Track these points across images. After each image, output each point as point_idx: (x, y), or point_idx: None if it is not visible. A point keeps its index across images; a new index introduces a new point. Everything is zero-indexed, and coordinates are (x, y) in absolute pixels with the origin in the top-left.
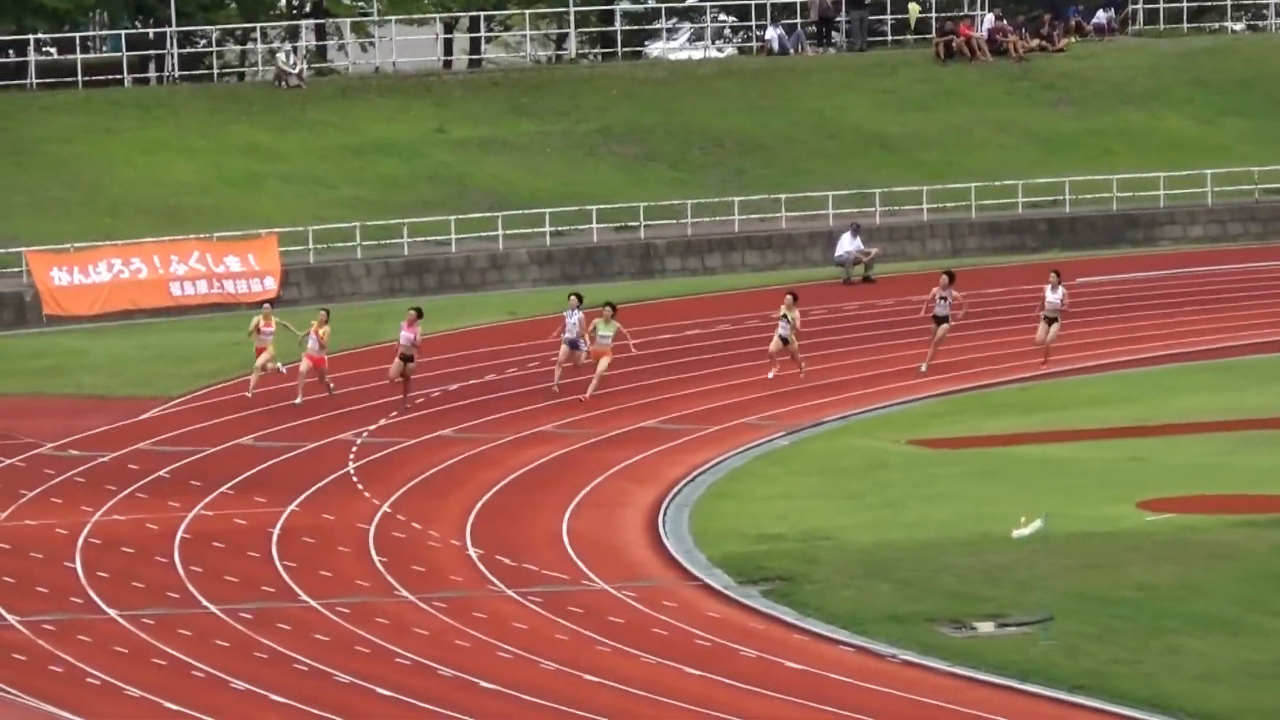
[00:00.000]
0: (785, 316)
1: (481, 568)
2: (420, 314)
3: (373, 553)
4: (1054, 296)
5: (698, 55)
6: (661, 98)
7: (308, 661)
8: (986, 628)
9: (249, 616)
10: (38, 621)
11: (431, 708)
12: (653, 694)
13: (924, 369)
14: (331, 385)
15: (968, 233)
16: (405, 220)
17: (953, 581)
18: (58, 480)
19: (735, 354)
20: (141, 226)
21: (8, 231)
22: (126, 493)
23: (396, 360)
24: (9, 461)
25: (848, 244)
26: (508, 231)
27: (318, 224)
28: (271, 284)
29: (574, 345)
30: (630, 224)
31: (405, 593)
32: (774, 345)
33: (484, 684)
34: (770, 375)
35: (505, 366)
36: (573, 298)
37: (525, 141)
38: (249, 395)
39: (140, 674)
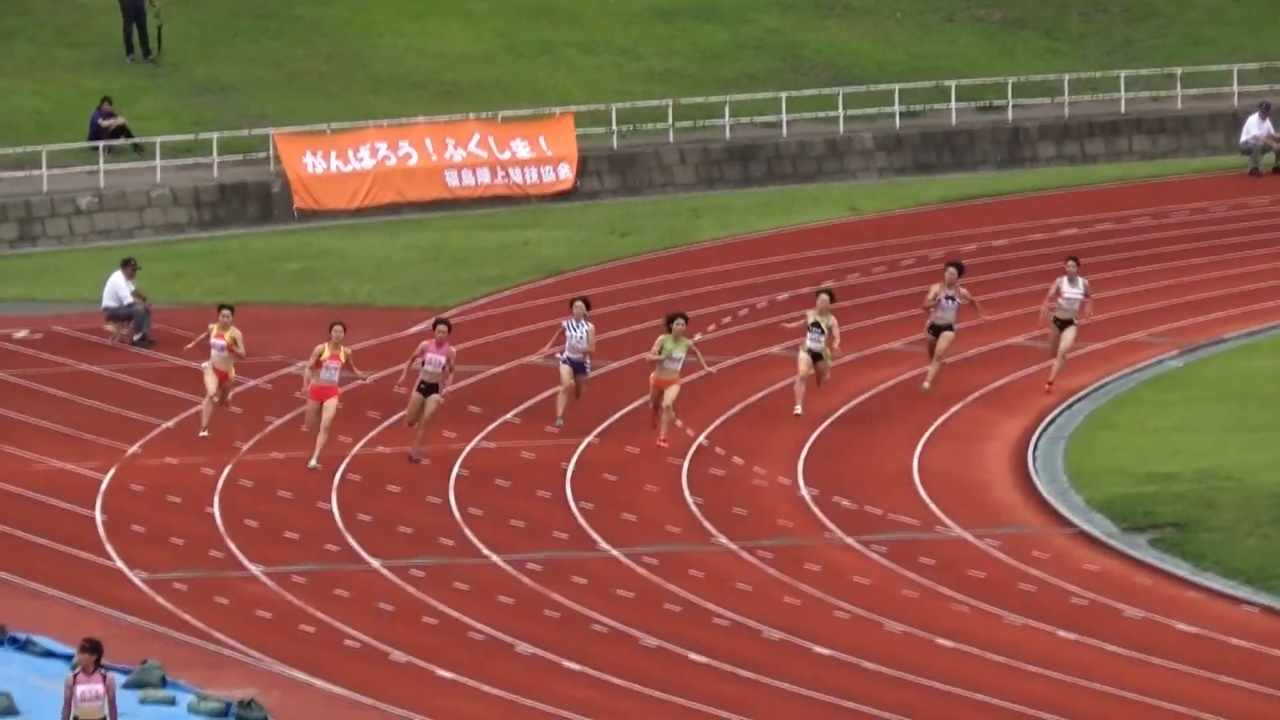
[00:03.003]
0: (817, 324)
1: (816, 511)
2: (450, 328)
3: (686, 493)
4: (1073, 291)
5: None
6: None
7: (607, 622)
8: None
9: (537, 568)
10: (286, 573)
11: (754, 676)
12: (1018, 661)
13: (927, 387)
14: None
15: None
16: (726, 98)
17: None
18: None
19: (1119, 258)
20: (411, 104)
21: (253, 110)
22: (391, 421)
23: (414, 394)
24: (253, 383)
25: (1255, 128)
26: (849, 111)
27: (622, 101)
28: (567, 172)
29: (579, 368)
30: (996, 103)
31: (724, 540)
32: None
33: (817, 649)
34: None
35: (845, 273)
36: (578, 304)
37: (871, 4)
38: (203, 434)
39: (407, 635)
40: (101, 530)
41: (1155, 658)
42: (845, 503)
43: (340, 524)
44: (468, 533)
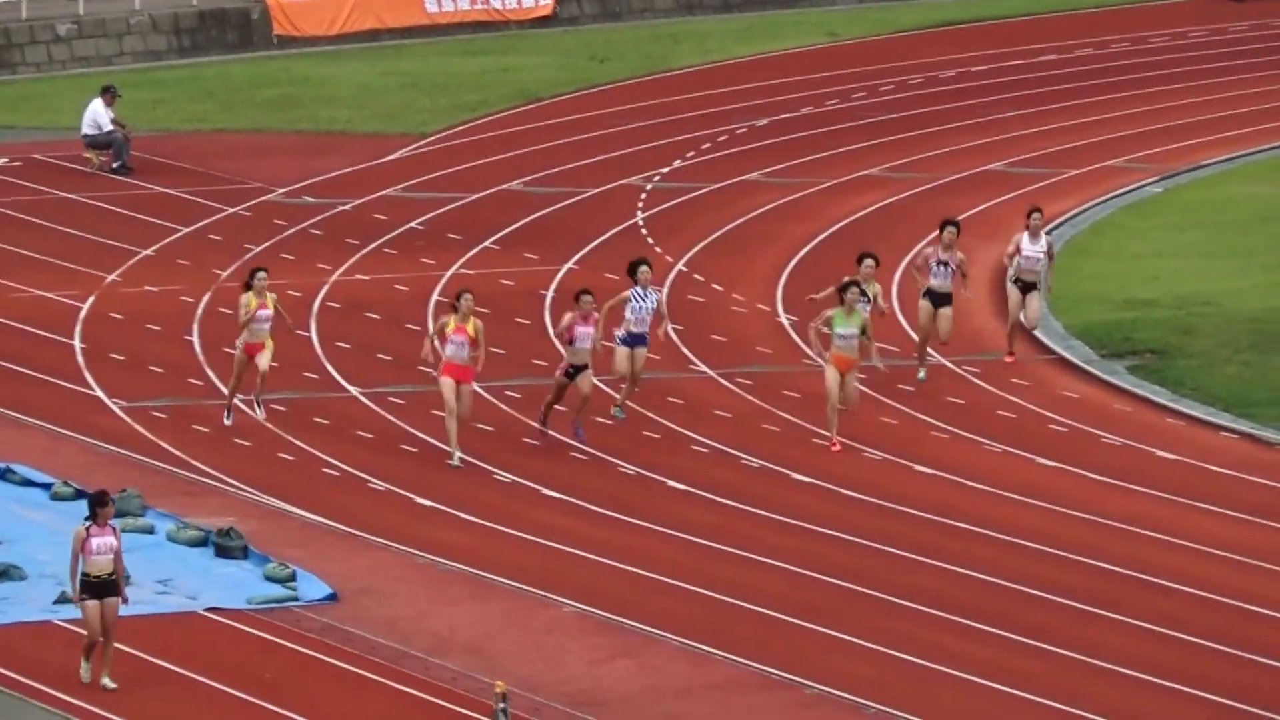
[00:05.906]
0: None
1: (795, 338)
2: (594, 298)
3: (665, 320)
4: (1033, 248)
5: None
6: None
7: (586, 449)
8: None
9: (517, 396)
10: (265, 401)
11: (731, 503)
12: (996, 489)
13: (922, 376)
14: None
15: None
16: None
17: None
18: (290, 233)
19: (1097, 84)
20: None
21: None
22: (371, 248)
23: (559, 375)
24: (232, 210)
25: None
26: None
27: None
28: None
29: (639, 341)
30: None
31: (703, 367)
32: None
33: (796, 476)
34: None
35: (824, 98)
36: (644, 269)
37: None
38: (227, 423)
39: (387, 464)
40: (81, 358)
41: (1134, 484)
42: (825, 330)
43: (319, 352)
44: None
